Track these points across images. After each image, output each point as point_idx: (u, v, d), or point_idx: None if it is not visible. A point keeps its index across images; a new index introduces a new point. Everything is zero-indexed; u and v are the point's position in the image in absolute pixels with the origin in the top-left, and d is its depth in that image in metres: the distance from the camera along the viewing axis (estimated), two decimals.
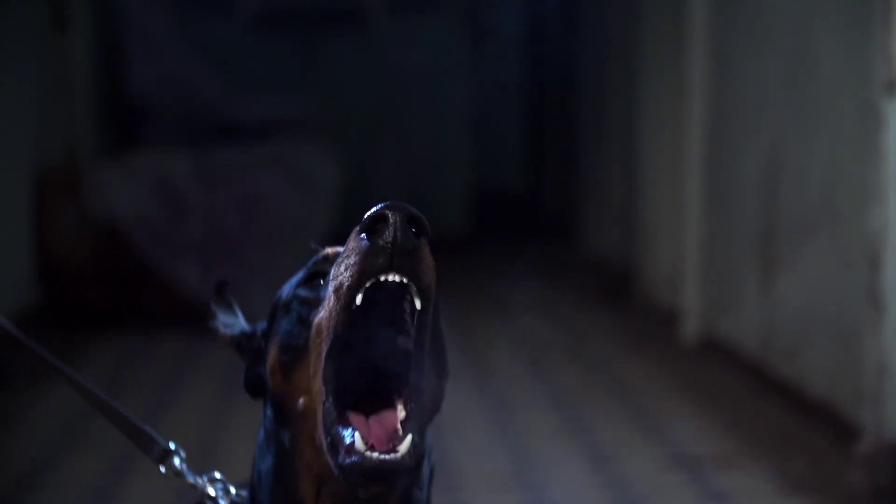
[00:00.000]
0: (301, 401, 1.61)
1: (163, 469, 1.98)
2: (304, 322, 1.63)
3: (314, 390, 1.58)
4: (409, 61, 9.66)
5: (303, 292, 1.67)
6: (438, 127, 9.85)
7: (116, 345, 6.47)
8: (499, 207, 10.92)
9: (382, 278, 1.51)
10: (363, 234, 1.51)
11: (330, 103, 9.23)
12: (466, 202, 10.00)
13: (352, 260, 1.52)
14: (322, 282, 1.65)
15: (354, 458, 1.50)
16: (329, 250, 1.70)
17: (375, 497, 1.58)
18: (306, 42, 9.57)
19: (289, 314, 1.67)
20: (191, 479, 1.95)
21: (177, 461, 1.98)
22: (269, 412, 1.70)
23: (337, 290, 1.53)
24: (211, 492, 1.92)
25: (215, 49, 8.96)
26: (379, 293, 1.52)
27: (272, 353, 1.67)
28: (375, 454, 1.50)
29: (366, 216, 1.51)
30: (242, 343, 1.82)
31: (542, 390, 5.59)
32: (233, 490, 1.92)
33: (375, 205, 1.53)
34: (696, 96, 6.31)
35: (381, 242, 1.50)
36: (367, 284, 1.51)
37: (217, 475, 1.95)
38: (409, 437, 1.53)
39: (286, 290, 1.72)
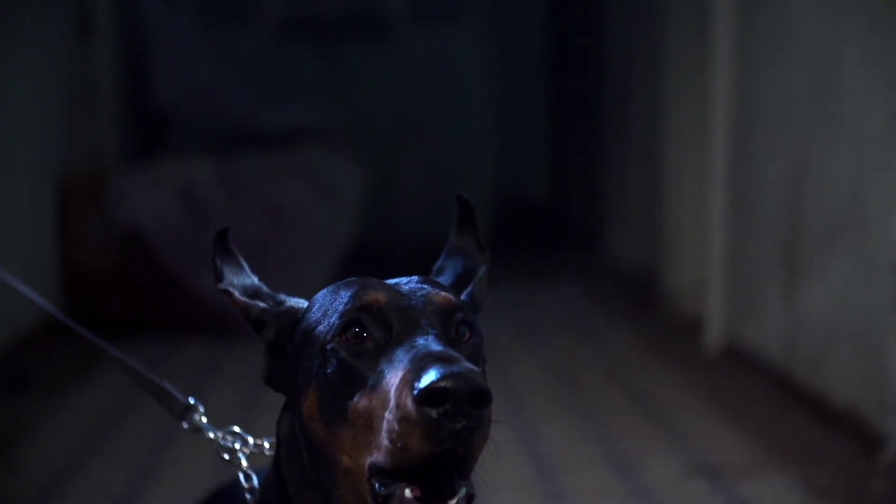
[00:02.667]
0: (344, 459, 1.57)
1: (185, 425, 2.00)
2: (347, 392, 1.57)
3: (358, 461, 1.54)
4: (431, 69, 9.67)
5: (342, 349, 1.60)
6: (461, 135, 9.85)
7: (139, 352, 6.47)
8: (521, 216, 10.92)
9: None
10: (419, 402, 1.45)
11: (353, 111, 9.25)
12: (489, 211, 10.00)
13: (412, 430, 1.46)
14: (363, 335, 1.59)
15: None
16: (371, 297, 1.62)
17: None
18: (329, 50, 9.59)
19: (325, 366, 1.60)
20: (211, 433, 1.96)
21: (197, 416, 2.00)
22: (300, 436, 1.65)
23: (399, 449, 1.48)
24: (230, 445, 1.93)
25: (239, 57, 8.98)
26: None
27: (310, 399, 1.61)
28: None
29: (426, 385, 1.44)
30: (263, 320, 1.75)
31: (565, 397, 5.58)
32: (251, 440, 1.92)
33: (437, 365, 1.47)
34: (721, 104, 6.29)
35: (444, 422, 1.45)
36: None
37: (236, 428, 1.96)
38: (464, 489, 1.52)
39: (317, 323, 1.65)
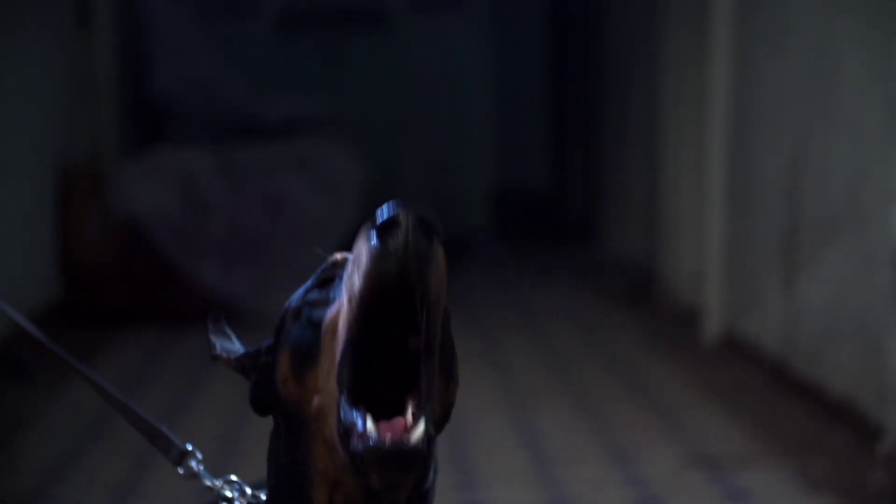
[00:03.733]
0: (315, 401, 1.59)
1: (180, 470, 1.99)
2: (315, 324, 1.61)
3: (327, 390, 1.57)
4: (431, 61, 9.66)
5: (313, 296, 1.64)
6: (461, 127, 9.85)
7: (138, 343, 6.49)
8: (521, 208, 10.93)
9: (392, 293, 1.48)
10: (374, 238, 1.48)
11: (353, 103, 9.24)
12: (489, 203, 10.00)
13: (363, 264, 1.49)
14: (329, 286, 1.63)
15: (367, 444, 1.48)
16: (338, 256, 1.68)
17: (387, 491, 1.56)
18: (330, 42, 9.58)
19: (299, 320, 1.64)
20: (208, 481, 1.96)
21: (193, 463, 1.99)
22: (282, 427, 1.68)
23: (349, 294, 1.52)
24: (228, 493, 1.93)
25: (239, 49, 8.98)
26: (390, 296, 1.49)
27: (283, 362, 1.65)
28: (388, 437, 1.48)
29: (376, 217, 1.49)
30: (247, 363, 1.80)
31: (563, 389, 5.59)
32: (249, 491, 1.93)
33: (390, 202, 1.50)
34: (719, 96, 6.30)
35: (392, 247, 1.47)
36: (378, 292, 1.48)
37: (233, 477, 1.96)
38: (422, 423, 1.51)
39: (294, 298, 1.70)
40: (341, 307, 1.55)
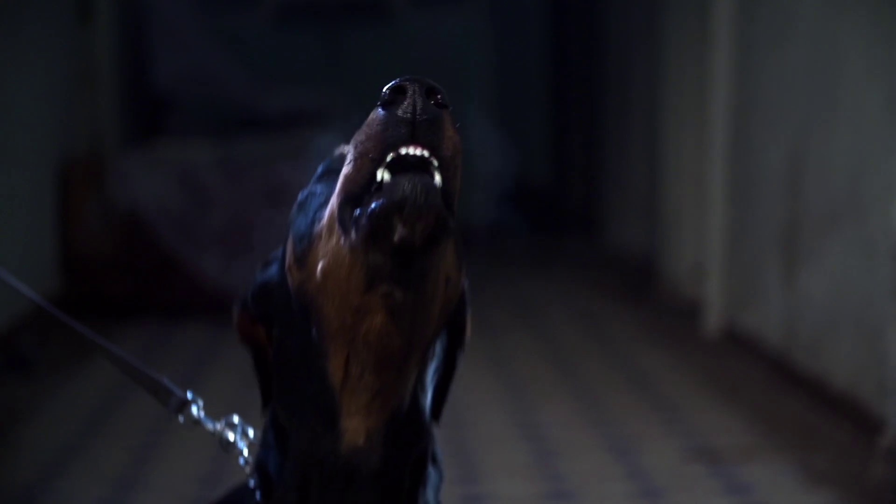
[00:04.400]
0: (319, 267, 1.55)
1: (181, 419, 2.00)
2: (319, 208, 1.59)
3: (330, 248, 1.54)
4: (432, 53, 9.65)
5: (318, 188, 1.64)
6: (461, 119, 9.82)
7: (139, 335, 6.49)
8: (521, 200, 10.91)
9: (404, 151, 1.46)
10: (381, 108, 1.48)
11: (353, 95, 9.23)
12: (489, 195, 9.96)
13: (372, 130, 1.48)
14: (334, 175, 1.60)
15: (383, 198, 1.45)
16: (345, 148, 1.64)
17: (408, 276, 1.50)
18: (330, 33, 9.57)
19: (304, 210, 1.63)
20: (209, 425, 1.96)
21: (194, 409, 2.00)
22: (285, 336, 1.66)
23: (358, 159, 1.49)
24: (230, 437, 1.93)
25: (239, 40, 8.98)
26: (401, 166, 1.47)
27: (288, 252, 1.63)
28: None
29: (384, 90, 1.48)
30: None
31: (564, 382, 5.59)
32: (251, 433, 1.93)
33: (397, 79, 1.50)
34: (720, 88, 6.29)
35: (400, 113, 1.46)
36: (389, 158, 1.46)
37: (235, 418, 1.96)
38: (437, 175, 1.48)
39: (301, 194, 1.69)
40: (347, 172, 1.51)
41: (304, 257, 1.58)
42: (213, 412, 2.02)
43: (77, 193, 6.89)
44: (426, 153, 1.47)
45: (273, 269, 1.74)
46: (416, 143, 1.46)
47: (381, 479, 1.62)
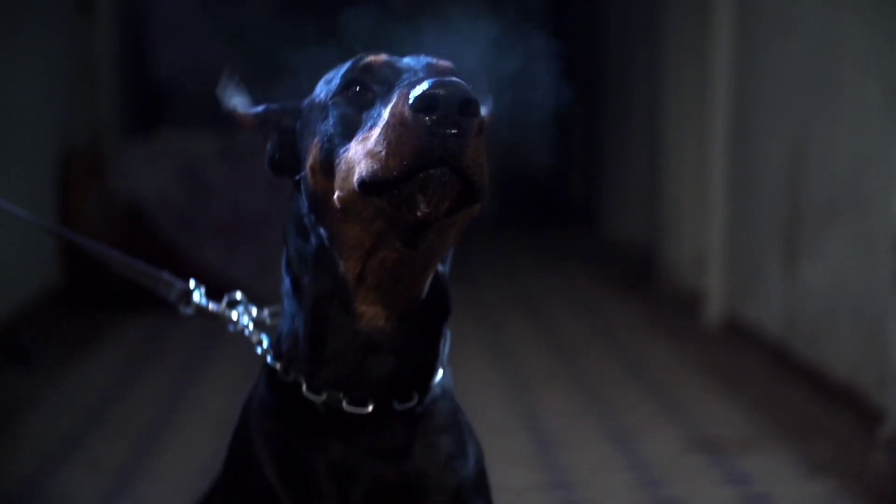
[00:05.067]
0: (336, 195, 1.65)
1: (184, 309, 2.05)
2: (346, 137, 1.66)
3: (350, 189, 1.62)
4: (432, 43, 9.65)
5: (343, 103, 1.69)
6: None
7: (140, 325, 6.49)
8: (521, 193, 10.92)
9: (430, 171, 1.53)
10: (414, 109, 1.52)
11: None
12: (489, 187, 9.96)
13: (403, 136, 1.53)
14: (364, 92, 1.68)
15: (409, 188, 1.54)
16: (372, 58, 1.74)
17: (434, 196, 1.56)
18: (331, 24, 9.56)
19: (328, 119, 1.70)
20: (213, 307, 2.02)
21: (197, 296, 2.05)
22: (304, 203, 1.75)
23: (386, 149, 1.54)
24: (233, 316, 1.98)
25: (239, 31, 8.97)
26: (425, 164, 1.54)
27: (313, 153, 1.71)
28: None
29: (419, 92, 1.52)
30: (271, 118, 1.86)
31: (565, 372, 5.59)
32: (255, 311, 1.98)
33: (430, 79, 1.54)
34: (721, 80, 6.29)
35: (433, 127, 1.52)
36: (415, 164, 1.53)
37: (238, 295, 2.02)
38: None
39: (322, 91, 1.77)
40: (383, 132, 1.56)
41: (330, 176, 1.67)
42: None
43: (78, 185, 6.89)
44: (449, 169, 1.54)
45: (295, 126, 1.82)
46: (445, 158, 1.53)
47: (401, 352, 1.72)
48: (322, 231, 1.71)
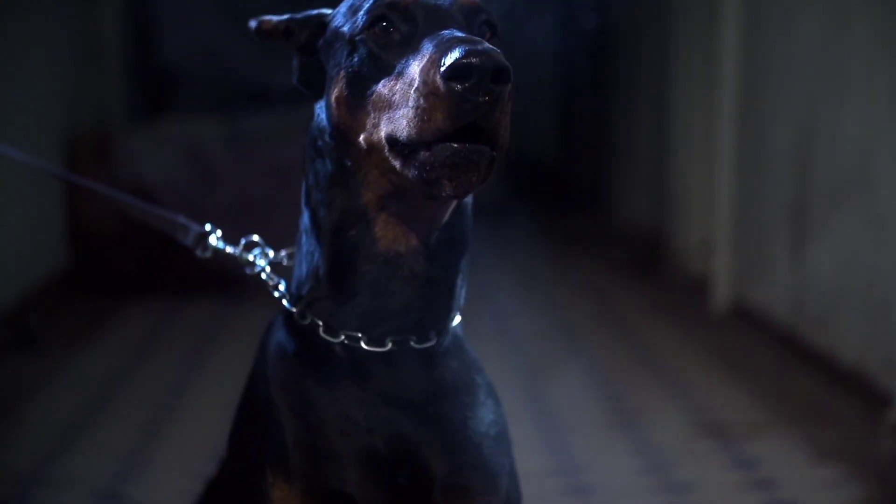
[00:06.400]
0: (362, 137, 1.67)
1: (200, 252, 2.06)
2: (372, 80, 1.66)
3: (376, 134, 1.64)
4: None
5: (370, 41, 1.69)
6: None
7: (146, 310, 6.49)
8: (529, 178, 10.90)
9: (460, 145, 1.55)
10: (447, 78, 1.53)
11: None
12: (496, 172, 9.94)
13: (436, 104, 1.54)
14: (390, 29, 1.67)
15: (438, 164, 1.56)
16: None
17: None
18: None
19: (353, 56, 1.70)
20: (230, 250, 2.03)
21: (213, 239, 2.06)
22: (326, 125, 1.75)
23: (421, 119, 1.56)
24: (250, 258, 1.99)
25: (246, 16, 8.95)
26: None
27: (339, 86, 1.71)
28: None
29: (452, 61, 1.52)
30: (294, 28, 1.86)
31: (572, 358, 5.58)
32: (271, 253, 1.99)
33: (463, 45, 1.54)
34: (729, 64, 6.27)
35: (466, 94, 1.52)
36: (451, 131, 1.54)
37: (255, 238, 2.02)
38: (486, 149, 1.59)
39: (347, 21, 1.75)
40: (413, 96, 1.57)
41: (355, 112, 1.68)
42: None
43: (84, 169, 6.88)
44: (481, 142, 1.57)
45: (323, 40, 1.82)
46: (475, 120, 1.54)
47: (420, 281, 1.73)
48: (345, 161, 1.72)
